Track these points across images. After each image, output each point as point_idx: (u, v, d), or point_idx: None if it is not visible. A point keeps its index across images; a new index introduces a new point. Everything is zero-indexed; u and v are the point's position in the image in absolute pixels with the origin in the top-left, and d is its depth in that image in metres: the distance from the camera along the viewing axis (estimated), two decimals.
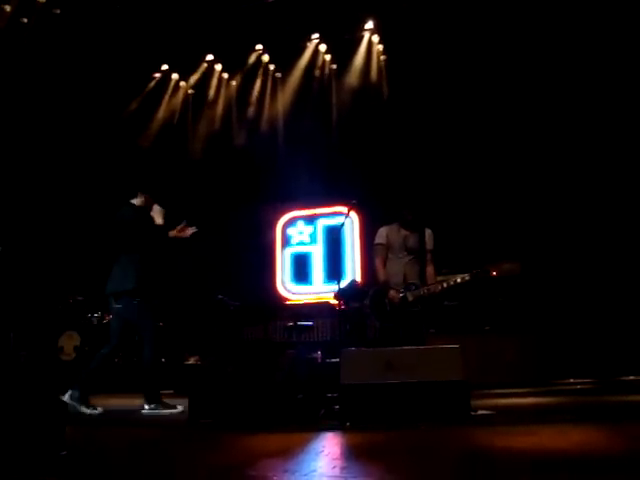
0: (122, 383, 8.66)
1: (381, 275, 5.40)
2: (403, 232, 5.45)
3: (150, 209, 5.16)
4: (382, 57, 11.26)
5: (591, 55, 9.31)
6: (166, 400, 5.22)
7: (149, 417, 5.01)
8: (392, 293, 5.19)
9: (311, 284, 11.02)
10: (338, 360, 4.42)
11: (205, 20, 10.51)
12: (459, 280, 4.95)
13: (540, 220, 9.55)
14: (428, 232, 5.45)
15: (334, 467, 2.73)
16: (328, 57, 11.56)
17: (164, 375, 8.92)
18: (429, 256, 5.38)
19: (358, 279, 10.45)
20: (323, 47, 11.37)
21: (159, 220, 5.14)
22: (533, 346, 8.08)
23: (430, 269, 5.35)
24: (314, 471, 2.65)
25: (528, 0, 9.51)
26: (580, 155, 9.47)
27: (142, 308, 4.89)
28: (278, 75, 11.98)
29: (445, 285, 5.04)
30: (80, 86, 11.37)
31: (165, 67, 12.09)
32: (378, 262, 5.45)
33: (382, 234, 5.53)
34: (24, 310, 10.53)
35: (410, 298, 5.12)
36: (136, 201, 5.16)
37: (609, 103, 9.31)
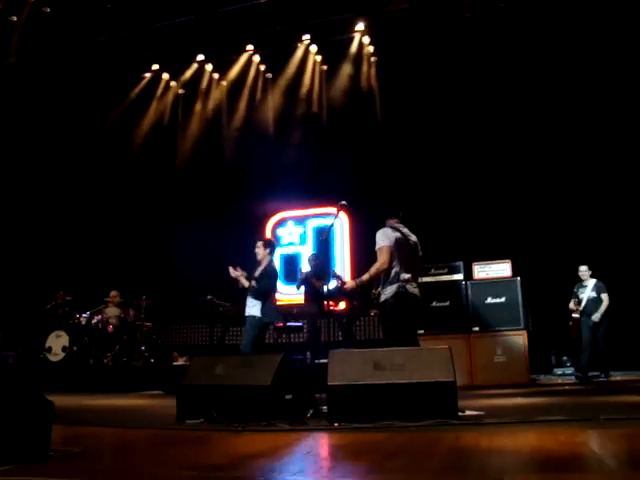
0: (111, 384, 8.62)
1: None
2: None
3: None
4: (372, 58, 11.28)
5: (576, 51, 9.38)
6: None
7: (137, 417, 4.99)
8: None
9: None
10: (326, 361, 4.42)
11: (196, 20, 10.48)
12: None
13: (531, 220, 9.60)
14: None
15: (321, 467, 2.74)
16: (319, 58, 11.57)
17: (153, 376, 8.95)
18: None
19: (347, 279, 10.43)
20: (314, 48, 11.37)
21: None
22: (521, 347, 8.10)
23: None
24: (301, 471, 2.66)
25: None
26: (571, 154, 9.55)
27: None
28: (269, 76, 11.97)
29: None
30: (70, 85, 11.33)
31: (156, 67, 12.02)
32: None
33: None
34: (11, 310, 10.47)
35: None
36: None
37: (601, 103, 9.38)
